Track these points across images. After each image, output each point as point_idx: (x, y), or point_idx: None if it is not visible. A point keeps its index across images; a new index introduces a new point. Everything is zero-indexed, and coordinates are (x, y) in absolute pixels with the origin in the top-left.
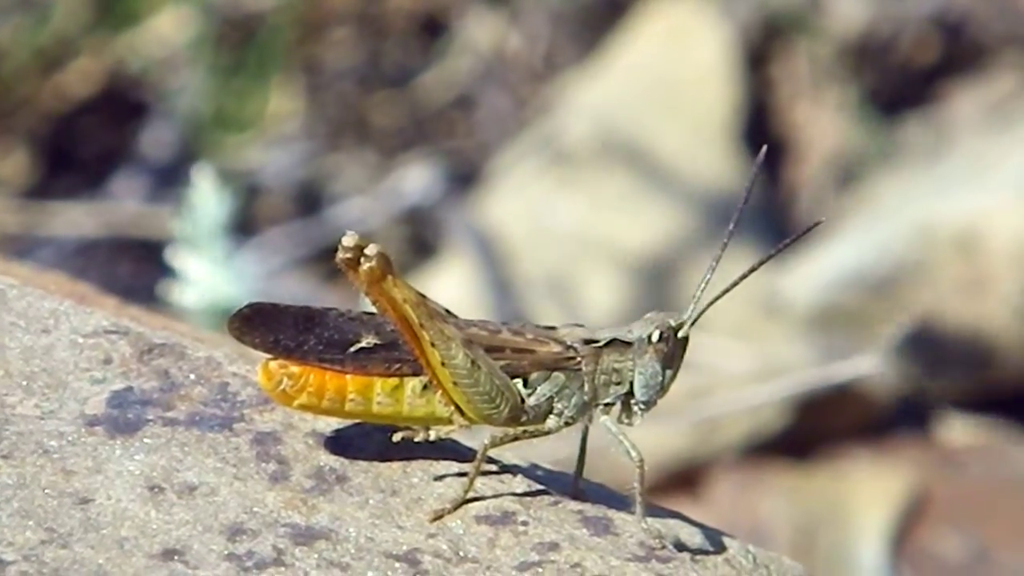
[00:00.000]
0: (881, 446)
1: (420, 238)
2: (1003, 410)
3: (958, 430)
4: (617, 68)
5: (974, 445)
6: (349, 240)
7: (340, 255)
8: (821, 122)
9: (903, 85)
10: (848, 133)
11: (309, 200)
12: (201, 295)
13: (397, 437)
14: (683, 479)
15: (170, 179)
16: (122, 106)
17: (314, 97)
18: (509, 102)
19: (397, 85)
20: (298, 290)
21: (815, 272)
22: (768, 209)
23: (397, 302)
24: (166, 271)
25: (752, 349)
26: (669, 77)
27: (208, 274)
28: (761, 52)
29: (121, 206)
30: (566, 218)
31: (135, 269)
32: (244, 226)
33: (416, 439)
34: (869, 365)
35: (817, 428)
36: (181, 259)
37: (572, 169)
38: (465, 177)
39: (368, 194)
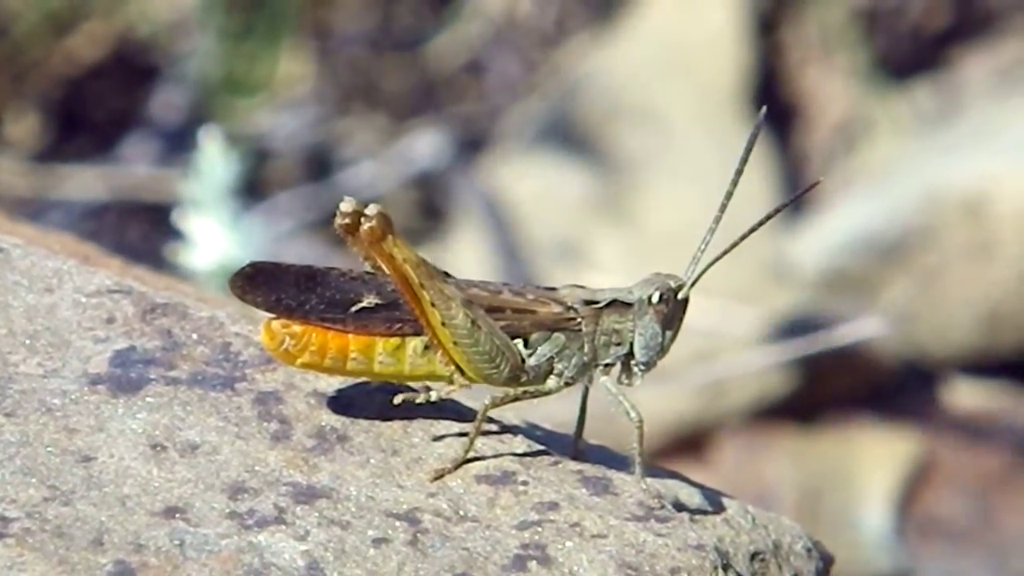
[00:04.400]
0: (887, 410)
1: (430, 203)
2: (1008, 374)
3: (963, 394)
4: (627, 33)
5: (979, 409)
6: (347, 206)
7: (339, 221)
8: (831, 87)
9: (913, 50)
10: (858, 98)
11: (319, 164)
12: (209, 258)
13: (398, 399)
14: (689, 443)
15: (180, 143)
16: (132, 70)
17: (324, 61)
18: (519, 67)
19: (407, 49)
20: (306, 254)
21: (823, 236)
22: (778, 174)
23: (397, 262)
24: (176, 235)
25: (759, 312)
26: (679, 42)
27: (216, 237)
28: (771, 17)
29: (131, 170)
30: (576, 183)
31: (145, 232)
32: (253, 190)
33: (417, 401)
34: (876, 329)
35: (823, 392)
36: (189, 222)
37: (582, 134)
38: (475, 142)
39: (378, 158)
